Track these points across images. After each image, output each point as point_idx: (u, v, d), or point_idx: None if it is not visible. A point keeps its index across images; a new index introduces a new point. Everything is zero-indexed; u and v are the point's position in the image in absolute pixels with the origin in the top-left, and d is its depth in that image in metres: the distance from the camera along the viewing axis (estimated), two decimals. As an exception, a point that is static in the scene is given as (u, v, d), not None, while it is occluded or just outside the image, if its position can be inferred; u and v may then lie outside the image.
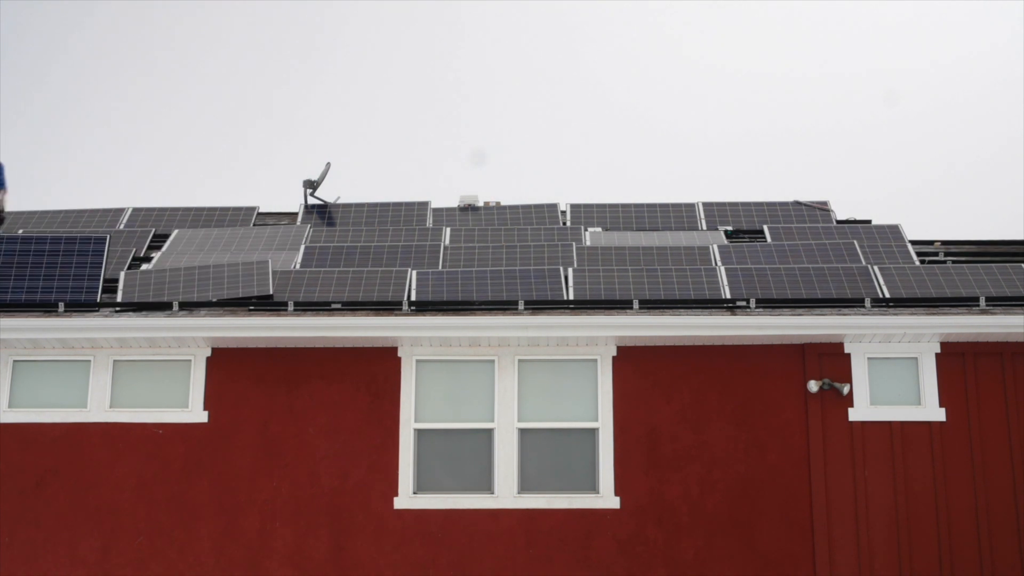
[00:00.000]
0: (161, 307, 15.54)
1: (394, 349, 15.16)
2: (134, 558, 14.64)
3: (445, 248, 17.73)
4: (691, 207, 20.14)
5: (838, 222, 19.90)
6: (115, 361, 15.19)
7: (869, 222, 19.95)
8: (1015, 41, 44.07)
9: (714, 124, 46.60)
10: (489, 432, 15.00)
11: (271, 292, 15.64)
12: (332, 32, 48.95)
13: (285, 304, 15.62)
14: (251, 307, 15.62)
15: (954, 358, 15.05)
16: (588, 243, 18.35)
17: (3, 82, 45.04)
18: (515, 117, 47.72)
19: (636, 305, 15.49)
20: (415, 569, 14.61)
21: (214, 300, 15.57)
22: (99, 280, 15.87)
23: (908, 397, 15.03)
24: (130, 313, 15.37)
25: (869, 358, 15.07)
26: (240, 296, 15.60)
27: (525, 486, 14.87)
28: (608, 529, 14.68)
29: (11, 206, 19.99)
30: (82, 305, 15.56)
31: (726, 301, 15.64)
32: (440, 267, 17.15)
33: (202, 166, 46.13)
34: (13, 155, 45.39)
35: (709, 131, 46.61)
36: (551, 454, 14.97)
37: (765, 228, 19.04)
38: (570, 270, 16.30)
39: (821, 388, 14.91)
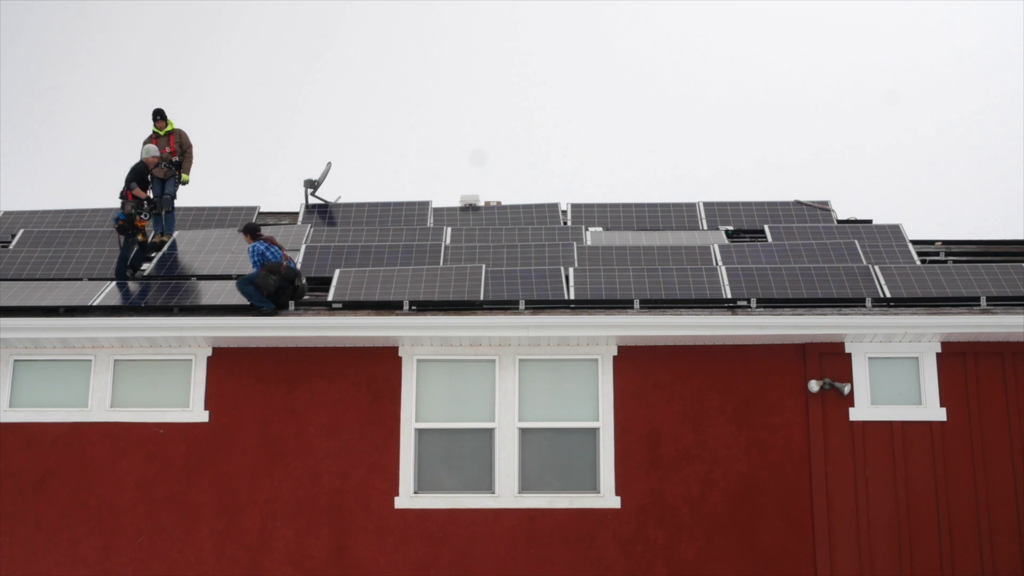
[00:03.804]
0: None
1: (395, 349, 15.15)
2: (135, 558, 14.64)
3: (446, 248, 17.72)
4: (692, 207, 20.14)
5: (839, 222, 19.90)
6: (116, 361, 15.18)
7: (870, 222, 19.94)
8: (1015, 40, 44.08)
9: (715, 124, 46.60)
10: (490, 432, 15.00)
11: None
12: (333, 32, 48.96)
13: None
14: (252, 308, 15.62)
15: (955, 358, 15.04)
16: (589, 243, 18.34)
17: (4, 80, 45.04)
18: (515, 117, 47.70)
19: (637, 305, 15.49)
20: (416, 569, 14.60)
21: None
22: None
23: (909, 397, 15.02)
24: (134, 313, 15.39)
25: (870, 358, 15.06)
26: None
27: (526, 486, 14.86)
28: (609, 529, 14.68)
29: (9, 205, 19.99)
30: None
31: (727, 301, 15.63)
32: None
33: (203, 166, 46.05)
34: (14, 154, 45.37)
35: (710, 131, 46.61)
36: (552, 454, 14.96)
37: (766, 228, 19.03)
38: (571, 270, 16.29)
39: (822, 388, 14.90)
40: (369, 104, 48.13)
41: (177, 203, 19.18)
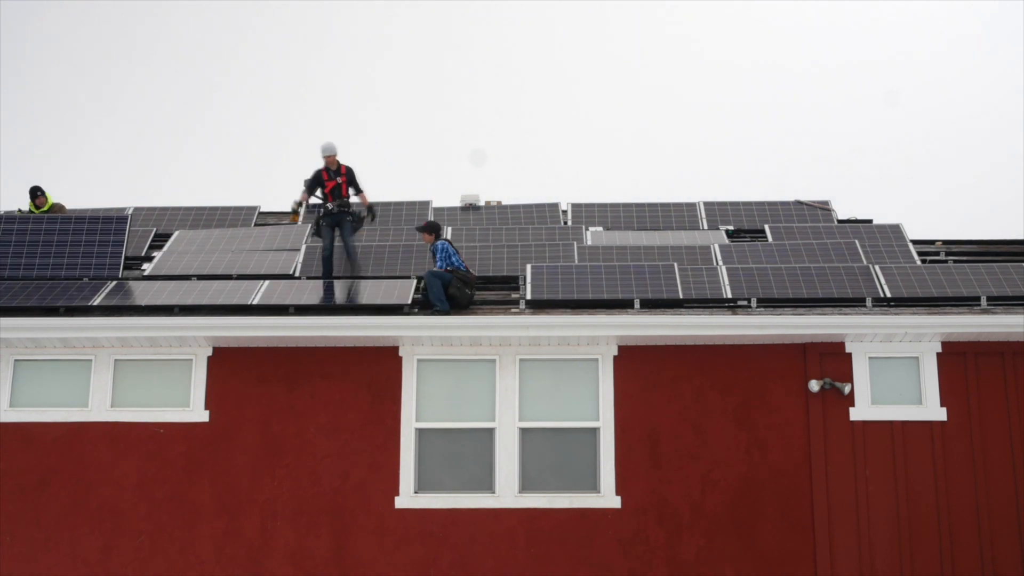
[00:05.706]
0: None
1: (395, 348, 15.14)
2: (135, 557, 14.63)
3: (446, 247, 17.70)
4: (692, 207, 20.14)
5: (839, 221, 19.90)
6: (116, 360, 15.17)
7: (870, 221, 19.95)
8: (1016, 41, 44.08)
9: (715, 124, 46.60)
10: (490, 431, 14.99)
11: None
12: (333, 32, 48.96)
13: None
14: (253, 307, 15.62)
15: (955, 357, 15.03)
16: (589, 242, 18.34)
17: (4, 80, 45.04)
18: (515, 117, 47.71)
19: (637, 304, 15.48)
20: (416, 568, 14.60)
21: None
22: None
23: (909, 397, 15.02)
24: (136, 314, 15.38)
25: (870, 357, 15.05)
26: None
27: (526, 485, 14.85)
28: (609, 528, 14.67)
29: (8, 206, 19.99)
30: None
31: (727, 300, 15.63)
32: (441, 266, 17.12)
33: (204, 166, 46.13)
34: (14, 154, 45.37)
35: (710, 131, 46.62)
36: (552, 453, 14.95)
37: (766, 227, 19.03)
38: (572, 268, 16.27)
39: (822, 387, 14.90)
40: (369, 104, 48.14)
41: (178, 203, 19.27)
